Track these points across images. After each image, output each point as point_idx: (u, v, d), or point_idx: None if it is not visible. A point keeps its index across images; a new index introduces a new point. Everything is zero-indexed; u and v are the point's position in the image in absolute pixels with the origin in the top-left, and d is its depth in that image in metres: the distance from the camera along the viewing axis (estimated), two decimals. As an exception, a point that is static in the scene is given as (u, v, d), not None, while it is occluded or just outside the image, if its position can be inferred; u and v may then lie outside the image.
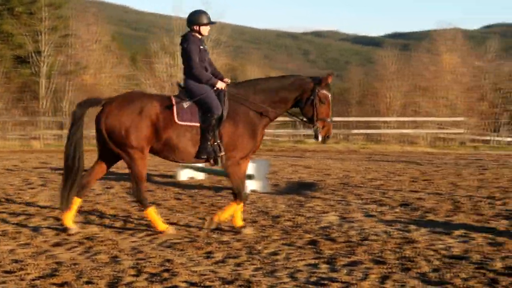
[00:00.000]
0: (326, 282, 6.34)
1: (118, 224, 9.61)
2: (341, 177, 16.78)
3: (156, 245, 8.12)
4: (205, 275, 6.60)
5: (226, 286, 6.21)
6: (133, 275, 6.58)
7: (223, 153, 8.83)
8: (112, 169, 9.66)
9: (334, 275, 6.62)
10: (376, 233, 8.90)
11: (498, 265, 7.06)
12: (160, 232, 8.75)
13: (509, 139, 42.10)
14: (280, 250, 7.78)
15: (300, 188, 14.18)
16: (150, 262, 7.16)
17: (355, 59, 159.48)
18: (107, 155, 9.03)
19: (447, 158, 25.44)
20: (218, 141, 8.79)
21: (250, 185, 13.37)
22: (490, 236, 8.73)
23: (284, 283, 6.35)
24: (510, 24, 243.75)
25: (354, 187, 14.44)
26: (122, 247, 7.91)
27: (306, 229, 9.19)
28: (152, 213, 8.91)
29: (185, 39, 9.17)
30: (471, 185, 15.06)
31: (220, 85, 9.01)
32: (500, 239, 8.50)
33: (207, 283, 6.29)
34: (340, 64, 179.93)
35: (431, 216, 10.24)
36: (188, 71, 9.05)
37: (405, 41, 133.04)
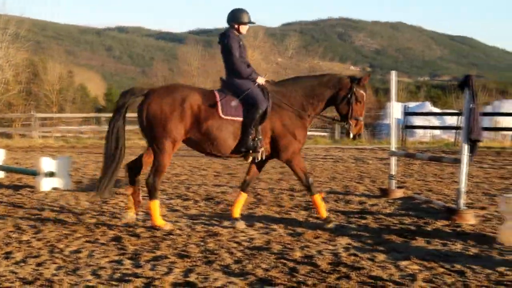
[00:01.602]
0: (130, 278, 6.31)
1: None
2: (146, 173, 16.71)
3: (-49, 247, 7.74)
4: (4, 276, 6.36)
5: (27, 286, 6.02)
6: None
7: (262, 149, 8.94)
8: None
9: (138, 270, 6.60)
10: (180, 228, 8.96)
11: (298, 254, 7.31)
12: (157, 227, 8.83)
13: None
14: (83, 248, 7.65)
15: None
16: None
17: (159, 55, 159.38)
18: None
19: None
20: (260, 136, 8.89)
21: (52, 183, 13.04)
22: (290, 227, 9.02)
23: (87, 280, 6.24)
24: (308, 21, 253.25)
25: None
26: None
27: (110, 226, 9.09)
28: (155, 205, 8.92)
29: (224, 36, 9.20)
30: (273, 178, 15.51)
31: (261, 80, 9.12)
32: (299, 229, 8.81)
33: (6, 284, 6.06)
34: (145, 60, 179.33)
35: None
36: (229, 67, 9.10)
37: (208, 38, 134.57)
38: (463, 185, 9.74)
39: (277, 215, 10.00)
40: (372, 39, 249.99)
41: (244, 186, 9.45)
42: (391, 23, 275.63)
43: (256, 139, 8.89)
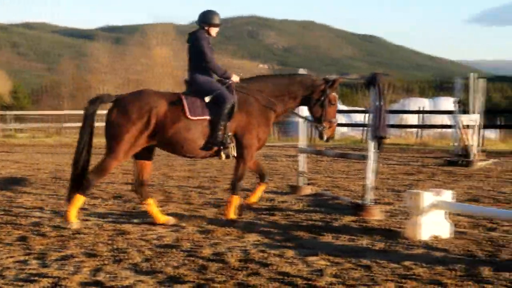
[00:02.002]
0: (36, 278, 6.18)
1: None
2: (52, 172, 16.47)
3: None
4: None
5: None
6: None
7: (232, 144, 8.94)
8: None
9: (45, 270, 6.47)
10: (89, 226, 8.84)
11: (207, 251, 7.31)
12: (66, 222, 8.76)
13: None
14: (-13, 248, 7.47)
15: (9, 183, 13.69)
16: None
17: (67, 52, 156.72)
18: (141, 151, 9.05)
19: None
20: (230, 133, 8.88)
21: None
22: (200, 224, 9.01)
23: (-9, 282, 6.10)
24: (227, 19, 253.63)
25: (66, 181, 14.17)
26: None
27: (16, 226, 8.90)
28: (80, 201, 8.91)
29: (195, 37, 9.23)
30: (182, 175, 15.47)
31: (235, 78, 9.14)
32: (209, 226, 8.81)
33: None
34: (52, 57, 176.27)
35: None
36: (200, 66, 9.09)
37: (118, 35, 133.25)
38: (370, 181, 9.92)
39: (186, 213, 9.97)
40: (282, 37, 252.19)
41: (262, 178, 9.78)
42: (300, 22, 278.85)
43: (225, 135, 8.92)
